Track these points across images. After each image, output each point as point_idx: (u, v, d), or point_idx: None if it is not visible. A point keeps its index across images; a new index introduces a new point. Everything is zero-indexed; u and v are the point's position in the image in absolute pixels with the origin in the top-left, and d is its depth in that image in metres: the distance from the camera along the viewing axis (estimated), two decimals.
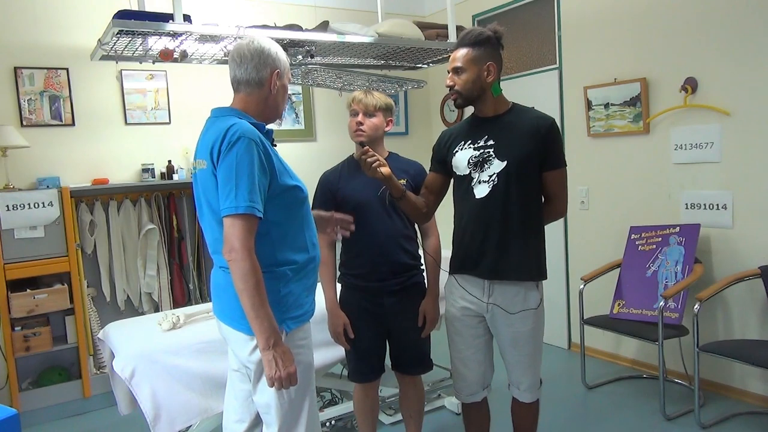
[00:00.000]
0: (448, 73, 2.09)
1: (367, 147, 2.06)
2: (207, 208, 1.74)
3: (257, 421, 1.87)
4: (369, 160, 2.00)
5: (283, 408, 1.73)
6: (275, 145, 1.83)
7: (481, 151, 2.07)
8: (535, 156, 2.03)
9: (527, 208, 2.06)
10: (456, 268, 2.19)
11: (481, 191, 2.06)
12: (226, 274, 1.72)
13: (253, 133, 1.65)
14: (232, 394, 1.93)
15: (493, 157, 2.04)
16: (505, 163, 2.02)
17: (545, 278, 2.14)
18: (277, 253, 1.72)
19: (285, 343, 1.68)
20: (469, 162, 2.09)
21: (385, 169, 2.02)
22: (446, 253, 2.42)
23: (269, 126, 1.81)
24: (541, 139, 2.03)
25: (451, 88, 2.08)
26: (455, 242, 2.19)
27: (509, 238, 2.04)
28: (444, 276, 2.32)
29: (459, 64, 2.04)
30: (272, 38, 2.70)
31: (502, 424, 2.49)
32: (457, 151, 2.13)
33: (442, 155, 2.20)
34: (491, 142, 2.06)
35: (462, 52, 2.04)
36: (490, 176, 2.04)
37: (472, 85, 2.04)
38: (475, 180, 2.08)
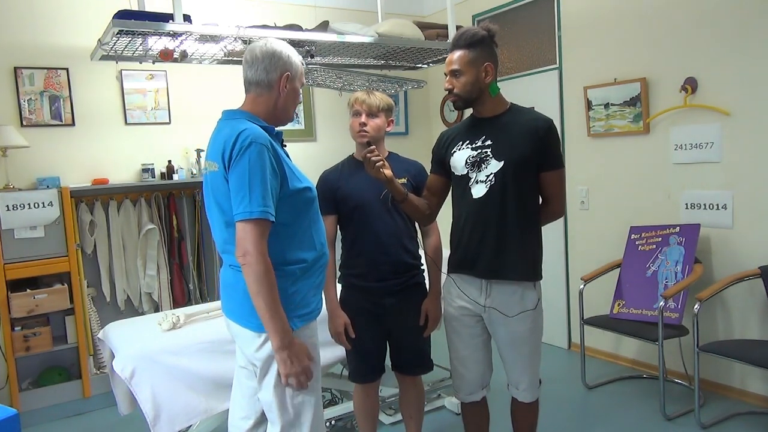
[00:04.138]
0: (446, 76, 2.09)
1: (373, 146, 2.07)
2: (217, 210, 1.75)
3: (263, 419, 1.88)
4: (373, 158, 2.00)
5: (286, 406, 1.74)
6: (285, 146, 1.84)
7: (479, 151, 2.07)
8: (533, 157, 2.03)
9: (524, 208, 2.06)
10: (454, 267, 2.19)
11: (478, 191, 2.06)
12: (235, 272, 1.74)
13: (264, 138, 1.67)
14: (238, 391, 1.94)
15: (491, 157, 2.04)
16: (502, 163, 2.02)
17: (540, 278, 2.13)
18: (287, 252, 1.74)
19: None
20: (466, 162, 2.09)
21: (388, 172, 2.03)
22: (447, 252, 2.42)
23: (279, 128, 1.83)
24: (538, 140, 2.02)
25: (450, 91, 2.07)
26: (453, 242, 2.19)
27: (506, 237, 2.04)
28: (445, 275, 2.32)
29: (456, 67, 2.04)
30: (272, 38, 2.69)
31: (501, 425, 2.48)
32: (455, 152, 2.13)
33: (441, 156, 2.20)
34: (489, 142, 2.06)
35: (458, 55, 2.04)
36: (488, 176, 2.04)
37: (471, 87, 2.04)
38: (472, 180, 2.08)
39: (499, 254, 2.05)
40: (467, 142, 2.11)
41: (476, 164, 2.07)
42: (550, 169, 2.07)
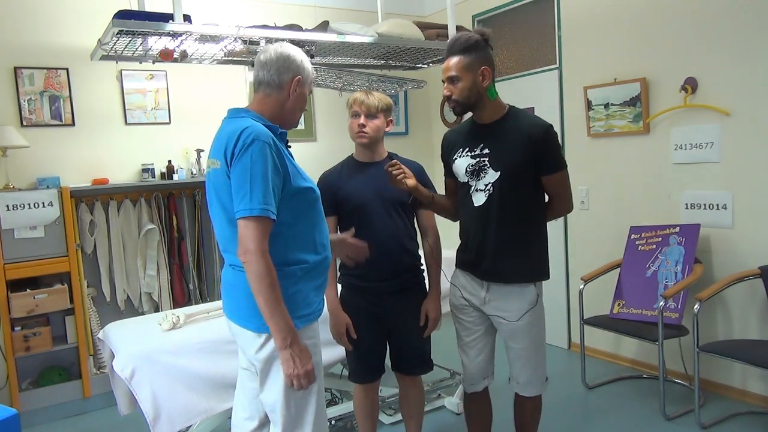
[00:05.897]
0: (443, 83, 2.10)
1: (395, 160, 2.13)
2: (219, 208, 1.75)
3: (267, 419, 1.88)
4: (395, 172, 2.07)
5: (288, 407, 1.74)
6: (290, 147, 1.84)
7: (477, 159, 2.10)
8: (530, 163, 2.05)
9: (524, 214, 2.09)
10: (460, 264, 2.26)
11: (478, 199, 2.10)
12: (235, 272, 1.74)
13: (267, 136, 1.67)
14: (242, 392, 1.94)
15: (488, 167, 2.07)
16: (499, 173, 2.05)
17: (546, 278, 2.18)
18: (288, 252, 1.74)
19: None
20: (466, 170, 2.13)
21: (411, 181, 2.10)
22: (446, 253, 2.42)
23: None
24: (534, 147, 2.04)
25: (449, 98, 2.08)
26: (461, 240, 2.24)
27: (506, 243, 2.08)
28: (445, 275, 2.33)
29: (454, 73, 2.05)
30: (272, 38, 2.71)
31: (504, 423, 2.49)
32: (456, 158, 2.17)
33: (446, 160, 2.25)
34: (486, 151, 2.09)
35: (454, 61, 2.05)
36: (486, 185, 2.08)
37: (469, 93, 2.05)
38: (472, 188, 2.12)
39: (498, 259, 2.10)
40: (467, 149, 2.14)
41: (475, 173, 2.10)
42: (550, 172, 2.09)
